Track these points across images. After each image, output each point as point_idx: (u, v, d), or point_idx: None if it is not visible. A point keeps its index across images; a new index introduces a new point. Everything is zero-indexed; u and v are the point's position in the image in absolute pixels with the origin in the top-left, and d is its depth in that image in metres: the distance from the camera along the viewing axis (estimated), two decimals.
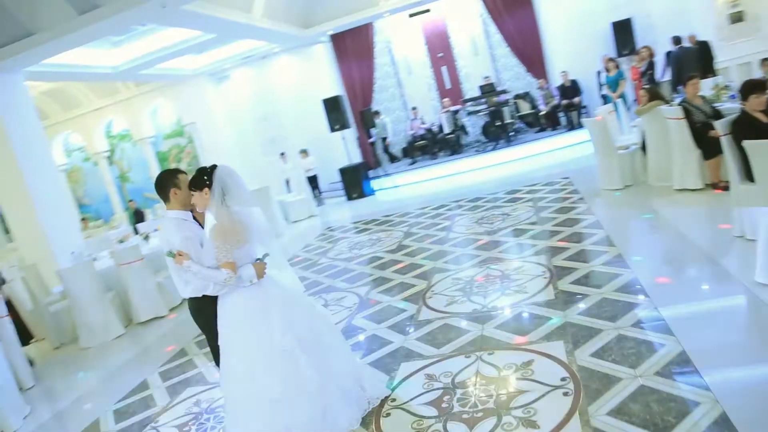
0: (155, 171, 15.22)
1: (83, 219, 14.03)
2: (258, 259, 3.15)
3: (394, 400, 3.52)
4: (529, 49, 13.26)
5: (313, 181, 12.65)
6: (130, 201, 14.42)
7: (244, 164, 14.46)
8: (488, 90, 12.24)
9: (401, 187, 12.52)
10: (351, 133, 12.89)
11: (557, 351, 3.56)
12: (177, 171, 3.33)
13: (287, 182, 12.93)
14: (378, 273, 6.43)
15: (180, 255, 2.99)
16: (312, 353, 3.14)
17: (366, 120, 13.03)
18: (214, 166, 3.11)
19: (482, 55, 13.94)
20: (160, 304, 7.20)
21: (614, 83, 10.54)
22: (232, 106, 14.34)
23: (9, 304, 6.31)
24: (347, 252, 7.82)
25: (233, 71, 14.09)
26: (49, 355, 6.94)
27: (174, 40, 10.63)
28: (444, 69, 14.09)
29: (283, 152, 13.04)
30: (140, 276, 7.13)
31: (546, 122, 12.73)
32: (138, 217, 13.48)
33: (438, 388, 3.50)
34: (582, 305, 4.11)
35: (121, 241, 8.49)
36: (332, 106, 12.29)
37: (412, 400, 3.46)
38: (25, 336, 6.48)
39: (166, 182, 3.24)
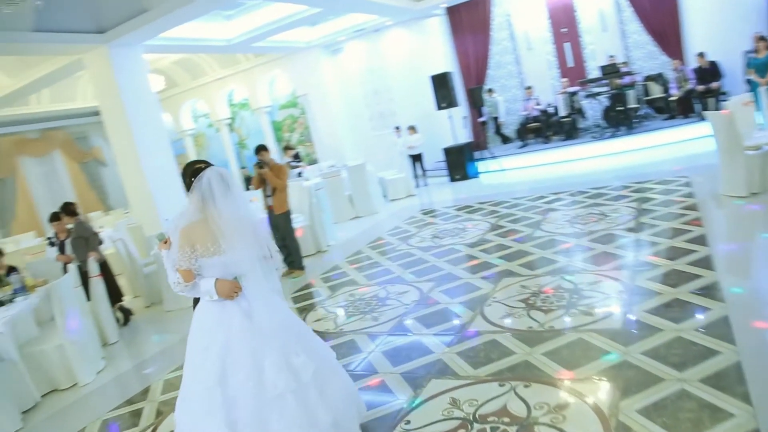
0: (270, 139, 15.84)
1: None
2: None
3: (408, 422, 3.23)
4: (663, 25, 11.72)
5: (417, 159, 12.36)
6: (242, 168, 15.13)
7: (353, 137, 14.57)
8: (610, 70, 11.04)
9: (507, 171, 11.85)
10: (459, 112, 12.35)
11: (601, 396, 3.03)
12: (196, 162, 3.24)
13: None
14: (448, 268, 6.06)
15: (165, 242, 2.86)
16: (243, 406, 2.69)
17: (475, 98, 12.41)
18: (202, 168, 2.87)
19: (611, 32, 12.60)
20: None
21: (763, 67, 8.97)
22: (344, 78, 14.38)
23: (104, 265, 6.81)
24: (428, 240, 7.50)
25: (347, 44, 14.08)
26: (139, 314, 7.46)
27: (284, 14, 10.75)
28: (567, 45, 12.96)
29: (398, 126, 12.78)
30: None
31: (677, 109, 11.26)
32: (247, 183, 14.12)
33: (457, 418, 3.15)
34: (649, 342, 3.49)
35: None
36: (440, 82, 11.83)
37: (425, 426, 3.15)
38: (116, 295, 6.98)
39: (185, 172, 3.17)
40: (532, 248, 6.06)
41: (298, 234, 8.26)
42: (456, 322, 4.56)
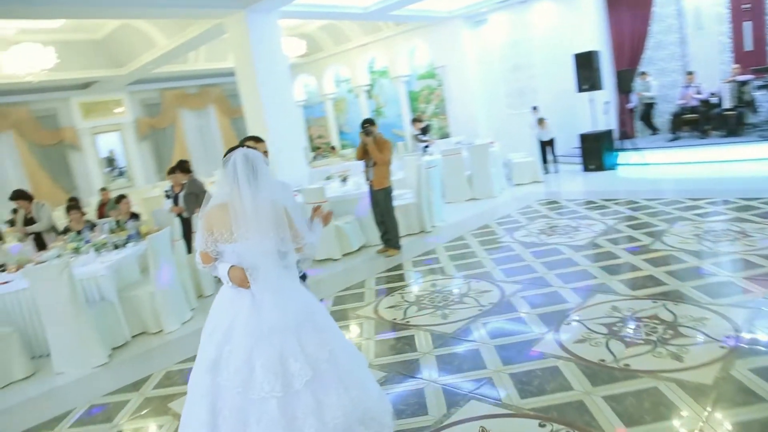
0: (406, 109, 15.73)
1: (332, 147, 15.38)
2: None
3: None
4: None
5: (548, 144, 11.46)
6: None
7: (487, 114, 13.94)
8: None
9: (650, 165, 10.54)
10: (601, 96, 11.15)
11: None
12: (246, 139, 3.28)
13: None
14: (542, 272, 5.50)
15: None
16: (229, 398, 2.56)
17: (624, 82, 11.12)
18: (234, 148, 2.76)
19: None
20: (334, 247, 7.45)
21: None
22: (483, 51, 13.69)
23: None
24: (534, 235, 6.90)
25: (490, 15, 13.32)
26: None
27: None
28: (747, 25, 11.02)
29: (535, 106, 11.90)
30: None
31: None
32: (423, 131, 14.12)
33: None
34: (743, 413, 2.80)
35: (328, 178, 8.96)
36: (584, 62, 10.75)
37: None
38: None
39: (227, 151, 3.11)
40: (642, 263, 5.27)
41: (404, 211, 8.10)
42: (524, 337, 4.09)
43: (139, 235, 6.50)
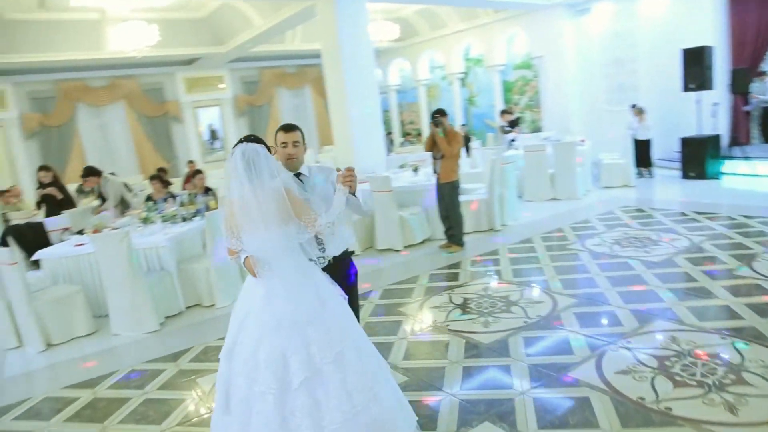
0: (499, 100, 15.18)
1: (419, 134, 15.10)
2: None
3: None
4: None
5: (644, 145, 10.57)
6: (463, 125, 14.82)
7: (582, 109, 13.12)
8: None
9: (762, 178, 9.42)
10: (710, 96, 10.06)
11: None
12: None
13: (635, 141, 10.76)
14: (604, 287, 5.06)
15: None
16: (237, 385, 2.57)
17: (738, 82, 9.98)
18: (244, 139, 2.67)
19: None
20: (397, 238, 7.31)
21: None
22: (583, 43, 12.81)
23: None
24: (608, 246, 6.37)
25: (594, 4, 12.41)
26: None
27: None
28: None
29: (635, 104, 10.99)
30: (386, 207, 7.30)
31: None
32: (465, 141, 13.78)
33: None
34: None
35: (401, 166, 8.81)
36: (694, 58, 9.73)
37: None
38: None
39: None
40: (721, 290, 4.69)
41: (472, 207, 7.81)
42: (562, 358, 3.76)
43: (207, 210, 6.73)
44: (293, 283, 2.61)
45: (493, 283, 5.62)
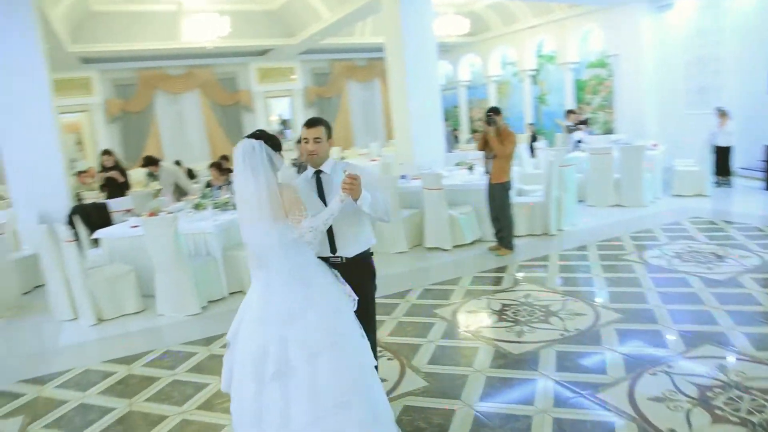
0: (571, 99, 14.61)
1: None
2: None
3: None
4: None
5: (724, 153, 9.81)
6: (531, 124, 14.37)
7: (659, 112, 12.39)
8: None
9: None
10: None
11: None
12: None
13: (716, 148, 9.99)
14: (654, 304, 4.72)
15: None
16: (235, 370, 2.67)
17: None
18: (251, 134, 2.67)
19: None
20: (446, 237, 7.17)
21: None
22: (664, 40, 12.04)
23: None
24: (667, 259, 5.95)
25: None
26: None
27: None
28: None
29: (720, 108, 10.18)
30: (436, 204, 7.17)
31: None
32: (531, 140, 13.39)
33: None
34: None
35: (458, 164, 8.62)
36: None
37: None
38: None
39: None
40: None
41: (527, 210, 7.54)
42: (594, 377, 3.53)
43: None
44: (283, 280, 2.60)
45: (537, 290, 5.39)
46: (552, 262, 6.28)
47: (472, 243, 7.38)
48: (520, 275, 5.94)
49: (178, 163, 11.23)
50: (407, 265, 6.82)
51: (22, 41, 7.10)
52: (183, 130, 16.67)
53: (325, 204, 2.83)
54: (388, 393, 3.57)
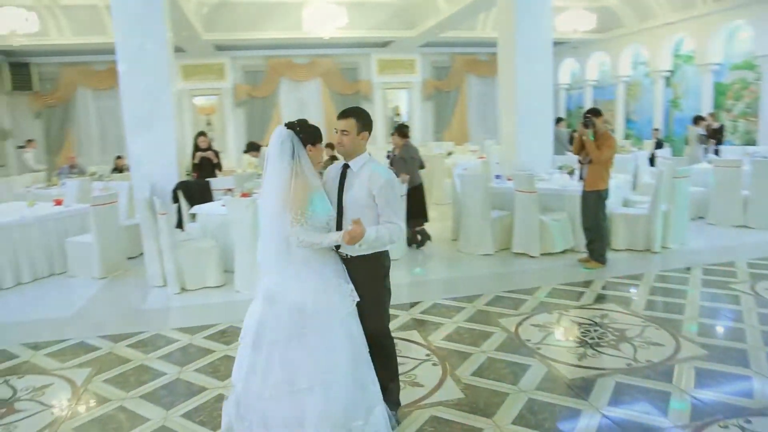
0: (708, 104, 13.16)
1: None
2: None
3: None
4: None
5: None
6: (655, 129, 13.15)
7: None
8: None
9: None
10: None
11: None
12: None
13: None
14: (754, 344, 4.09)
15: None
16: None
17: None
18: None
19: None
20: (534, 243, 6.78)
21: None
22: None
23: (417, 188, 7.25)
24: None
25: None
26: (442, 244, 7.70)
27: None
28: None
29: None
30: (527, 208, 6.79)
31: None
32: (655, 147, 12.26)
33: None
34: None
35: (560, 168, 8.10)
36: None
37: None
38: (418, 218, 7.35)
39: None
40: None
41: (629, 223, 6.92)
42: (647, 419, 3.13)
43: None
44: (280, 264, 2.70)
45: (617, 311, 4.90)
46: (645, 281, 5.69)
47: (562, 252, 6.91)
48: (604, 292, 5.45)
49: None
50: (488, 268, 6.55)
51: (153, 31, 7.71)
52: (303, 117, 17.37)
53: (341, 200, 2.78)
54: (421, 399, 3.44)
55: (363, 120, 2.80)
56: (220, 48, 15.05)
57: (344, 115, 2.81)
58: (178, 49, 14.37)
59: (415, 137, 18.18)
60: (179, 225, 7.23)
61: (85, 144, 15.65)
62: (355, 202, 2.75)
